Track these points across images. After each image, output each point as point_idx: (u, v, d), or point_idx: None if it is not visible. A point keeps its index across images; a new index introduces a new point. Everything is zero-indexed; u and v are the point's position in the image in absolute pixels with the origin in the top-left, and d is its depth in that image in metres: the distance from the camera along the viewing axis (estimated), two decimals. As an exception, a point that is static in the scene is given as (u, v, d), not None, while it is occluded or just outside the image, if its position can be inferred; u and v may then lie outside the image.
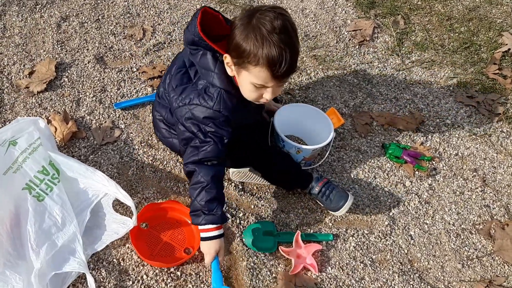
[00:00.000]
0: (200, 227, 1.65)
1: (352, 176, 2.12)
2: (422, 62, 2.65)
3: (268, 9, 1.45)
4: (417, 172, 2.17)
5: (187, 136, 1.70)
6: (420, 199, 2.08)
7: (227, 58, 1.54)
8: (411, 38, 2.77)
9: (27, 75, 2.26)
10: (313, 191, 1.92)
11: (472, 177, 2.19)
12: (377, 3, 2.93)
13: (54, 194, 1.75)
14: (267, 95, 1.57)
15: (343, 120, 2.09)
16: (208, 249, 1.65)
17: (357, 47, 2.67)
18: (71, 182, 1.83)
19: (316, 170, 2.11)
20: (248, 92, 1.58)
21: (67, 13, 2.59)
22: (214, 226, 1.63)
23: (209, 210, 1.62)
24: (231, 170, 1.97)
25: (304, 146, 1.92)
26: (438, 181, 2.16)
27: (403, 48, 2.71)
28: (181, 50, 2.03)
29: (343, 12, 2.86)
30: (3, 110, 2.13)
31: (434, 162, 2.22)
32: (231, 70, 1.57)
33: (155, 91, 2.28)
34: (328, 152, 2.09)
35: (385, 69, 2.59)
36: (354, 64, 2.58)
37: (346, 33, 2.74)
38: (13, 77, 2.26)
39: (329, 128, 2.00)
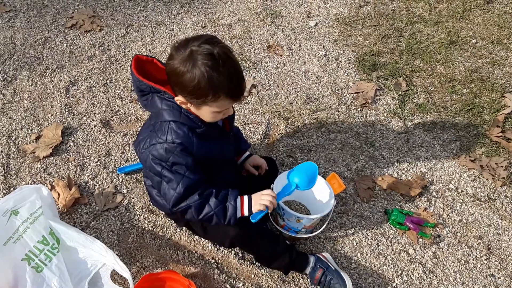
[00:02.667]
0: (239, 214, 1.72)
1: (355, 243, 2.10)
2: (425, 125, 2.67)
3: (201, 43, 1.46)
4: (420, 239, 2.14)
5: (157, 180, 1.70)
6: (424, 268, 2.04)
7: (179, 100, 1.57)
8: (413, 100, 2.80)
9: (34, 140, 2.32)
10: (312, 282, 1.93)
11: (477, 244, 2.15)
12: (379, 65, 2.98)
13: (53, 264, 1.75)
14: (229, 112, 1.65)
15: (345, 185, 2.08)
16: (261, 205, 1.71)
17: (359, 109, 2.71)
18: (71, 252, 1.83)
19: (318, 237, 2.09)
20: (211, 118, 1.62)
21: (76, 77, 2.67)
22: (239, 200, 1.72)
23: (224, 200, 1.70)
24: None
25: (304, 216, 1.91)
26: (442, 249, 2.12)
27: (405, 111, 2.73)
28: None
29: (345, 74, 2.92)
30: (9, 175, 2.17)
31: (438, 229, 2.19)
32: (185, 106, 1.60)
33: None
34: (329, 218, 2.07)
35: (387, 131, 2.61)
36: (356, 127, 2.61)
37: (348, 96, 2.78)
38: (20, 142, 2.31)
39: (330, 194, 2.00)
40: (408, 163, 2.46)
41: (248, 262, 1.97)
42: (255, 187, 2.01)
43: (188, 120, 1.63)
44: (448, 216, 2.25)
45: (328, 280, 1.88)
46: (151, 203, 2.05)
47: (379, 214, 2.22)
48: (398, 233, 2.16)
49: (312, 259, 1.93)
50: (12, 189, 2.10)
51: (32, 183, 2.15)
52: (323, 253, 1.99)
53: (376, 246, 2.10)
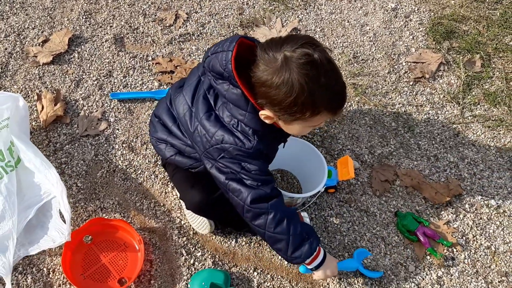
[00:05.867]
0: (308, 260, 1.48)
1: (346, 241, 1.77)
2: (487, 119, 2.15)
3: (297, 47, 1.19)
4: (428, 257, 1.76)
5: (231, 176, 1.43)
6: (419, 293, 1.69)
7: (265, 115, 1.31)
8: (483, 85, 2.26)
9: (41, 43, 2.17)
10: None
11: (499, 282, 1.74)
12: (456, 34, 2.42)
13: (2, 183, 1.63)
14: (321, 124, 1.47)
15: (353, 175, 1.72)
16: (325, 272, 1.54)
17: (411, 83, 2.24)
18: (27, 174, 1.70)
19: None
20: (298, 132, 1.40)
21: (107, -17, 2.45)
22: (317, 249, 1.50)
23: (308, 235, 1.46)
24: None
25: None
26: (451, 275, 1.73)
27: (469, 97, 2.22)
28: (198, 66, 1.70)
29: (411, 37, 2.41)
30: (4, 76, 2.05)
31: (454, 250, 1.79)
32: (270, 121, 1.34)
33: (161, 87, 2.08)
34: (312, 202, 1.76)
35: (435, 117, 2.14)
36: (398, 104, 2.16)
37: (404, 64, 2.30)
38: (27, 42, 2.17)
39: (323, 175, 1.69)
40: (448, 162, 2.01)
41: (218, 232, 1.73)
42: None
43: (269, 128, 1.39)
44: (474, 238, 1.83)
45: None
46: (150, 138, 1.79)
47: (388, 214, 1.86)
48: (403, 242, 1.79)
49: None
50: (2, 90, 2.00)
51: (24, 89, 2.02)
52: (299, 212, 1.73)
53: (370, 250, 1.76)
